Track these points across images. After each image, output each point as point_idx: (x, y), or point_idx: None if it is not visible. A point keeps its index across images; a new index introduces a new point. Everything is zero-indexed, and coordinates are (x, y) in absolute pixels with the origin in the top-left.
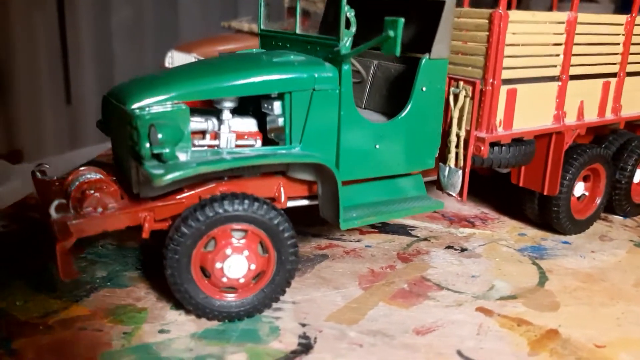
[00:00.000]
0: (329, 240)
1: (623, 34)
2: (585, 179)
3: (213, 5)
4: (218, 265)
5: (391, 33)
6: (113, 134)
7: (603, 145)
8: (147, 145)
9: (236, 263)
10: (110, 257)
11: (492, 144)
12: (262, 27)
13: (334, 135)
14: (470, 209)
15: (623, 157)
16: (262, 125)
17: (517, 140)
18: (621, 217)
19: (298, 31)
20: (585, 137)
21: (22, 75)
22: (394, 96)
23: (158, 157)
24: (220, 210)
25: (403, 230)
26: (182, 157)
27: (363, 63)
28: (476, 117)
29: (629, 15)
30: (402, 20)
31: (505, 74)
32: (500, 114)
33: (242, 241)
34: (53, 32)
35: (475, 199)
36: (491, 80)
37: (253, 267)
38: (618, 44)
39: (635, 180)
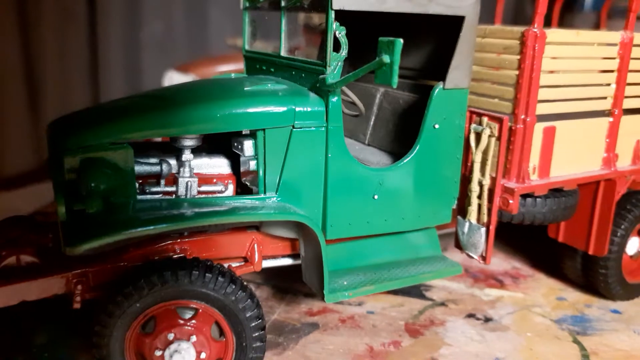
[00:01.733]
0: (323, 303)
1: None
2: None
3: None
4: (157, 353)
5: (386, 58)
6: None
7: None
8: (68, 198)
9: (182, 350)
10: None
11: (524, 195)
12: (246, 47)
13: (320, 183)
14: (499, 263)
15: None
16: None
17: (556, 190)
18: None
19: (283, 53)
20: None
21: (54, 87)
22: (403, 132)
23: (82, 213)
24: (158, 284)
25: (416, 290)
26: (121, 210)
27: (366, 91)
28: (504, 162)
29: None
30: (401, 41)
31: (542, 108)
32: (534, 159)
33: (191, 322)
34: (84, 45)
35: (505, 249)
36: (523, 117)
37: (204, 355)
38: None
39: None
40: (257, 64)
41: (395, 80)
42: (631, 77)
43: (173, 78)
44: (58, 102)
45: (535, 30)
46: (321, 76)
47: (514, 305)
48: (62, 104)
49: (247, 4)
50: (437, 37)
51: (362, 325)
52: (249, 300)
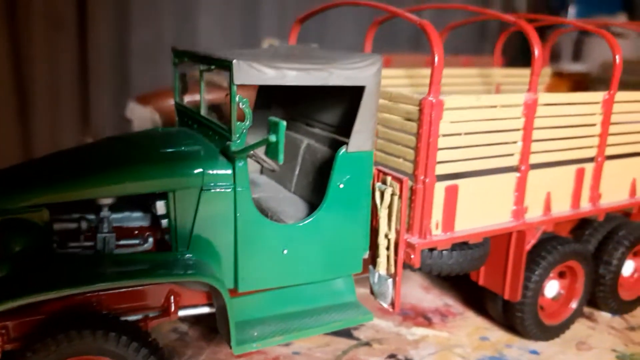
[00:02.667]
0: None
1: (600, 113)
2: (563, 275)
3: (233, 28)
4: None
5: (272, 138)
6: None
7: (585, 236)
8: None
9: None
10: None
11: (432, 248)
12: (176, 100)
13: (230, 240)
14: (432, 299)
15: (608, 248)
16: None
17: (465, 243)
18: (609, 315)
19: (202, 113)
20: (568, 223)
21: (42, 94)
22: (322, 185)
23: None
24: (65, 341)
25: (345, 329)
26: (36, 272)
27: (292, 141)
28: (406, 219)
29: (606, 93)
30: (284, 123)
31: (442, 169)
32: (437, 215)
33: None
34: (74, 52)
35: (441, 285)
36: (422, 177)
37: None
38: (594, 124)
39: (625, 273)
40: (186, 118)
41: (281, 157)
42: (538, 134)
43: (134, 110)
44: (47, 109)
45: (431, 99)
46: (228, 142)
47: (437, 346)
48: (52, 112)
49: (176, 61)
50: (353, 97)
51: None
52: (151, 356)
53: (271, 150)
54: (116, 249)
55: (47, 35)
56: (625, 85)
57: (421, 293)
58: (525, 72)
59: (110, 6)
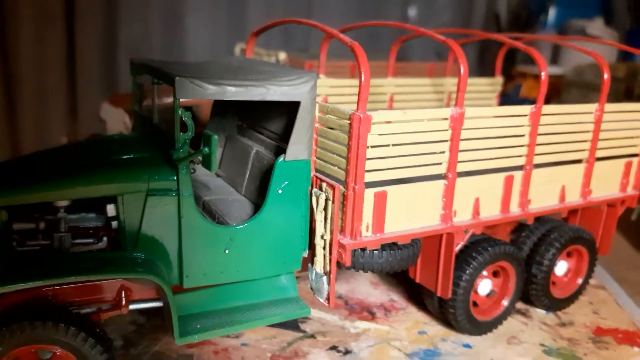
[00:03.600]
0: None
1: (528, 125)
2: (497, 274)
3: (221, 26)
4: None
5: (205, 150)
6: None
7: (521, 238)
8: None
9: None
10: None
11: (363, 248)
12: (134, 107)
13: (175, 240)
14: (379, 295)
15: (540, 249)
16: None
17: (395, 243)
18: (543, 312)
19: (154, 121)
20: (506, 226)
21: (30, 92)
22: (267, 189)
23: None
24: (17, 331)
25: (293, 322)
26: None
27: (243, 148)
28: (338, 222)
29: (533, 106)
30: (216, 138)
31: (372, 177)
32: (367, 218)
33: None
34: (61, 47)
35: (389, 281)
36: (352, 184)
37: None
38: (523, 135)
39: (559, 273)
40: (141, 124)
41: (214, 167)
42: (465, 145)
43: (107, 111)
44: (36, 103)
45: (359, 114)
46: (172, 151)
47: (376, 339)
48: (40, 106)
49: (134, 71)
50: (295, 109)
51: (233, 357)
52: (98, 345)
53: (205, 161)
54: (72, 248)
55: (34, 30)
56: (594, 87)
57: (369, 288)
58: (477, 81)
59: (98, 2)
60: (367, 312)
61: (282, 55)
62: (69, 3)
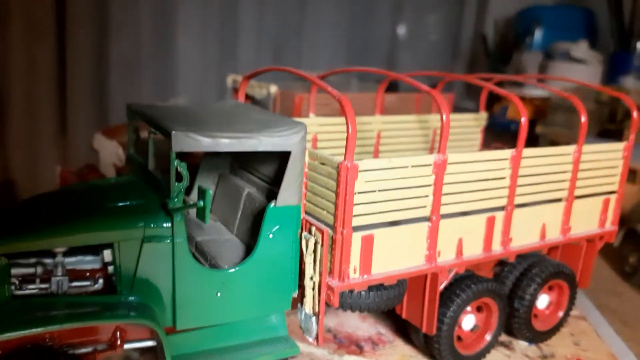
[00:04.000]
0: None
1: (509, 168)
2: (480, 310)
3: (210, 42)
4: None
5: (200, 203)
6: None
7: (504, 273)
8: None
9: None
10: None
11: (351, 290)
12: (130, 151)
13: (169, 284)
14: (367, 328)
15: (522, 284)
16: None
17: (382, 284)
18: (526, 344)
19: (150, 168)
20: (488, 263)
21: (20, 105)
22: (258, 230)
23: None
24: None
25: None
26: None
27: (235, 188)
28: (327, 264)
29: (513, 150)
30: (210, 191)
31: (359, 221)
32: (355, 261)
33: None
34: (52, 61)
35: (378, 316)
36: (341, 229)
37: None
38: (503, 177)
39: (540, 306)
40: (136, 168)
41: (207, 219)
42: (449, 188)
43: (101, 142)
44: (25, 118)
45: (346, 164)
46: (167, 199)
47: None
48: (30, 121)
49: (131, 116)
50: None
51: None
52: None
53: (199, 213)
54: (70, 289)
55: (26, 42)
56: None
57: (357, 322)
58: (462, 117)
59: (89, 17)
60: (355, 345)
61: (273, 88)
62: (60, 18)
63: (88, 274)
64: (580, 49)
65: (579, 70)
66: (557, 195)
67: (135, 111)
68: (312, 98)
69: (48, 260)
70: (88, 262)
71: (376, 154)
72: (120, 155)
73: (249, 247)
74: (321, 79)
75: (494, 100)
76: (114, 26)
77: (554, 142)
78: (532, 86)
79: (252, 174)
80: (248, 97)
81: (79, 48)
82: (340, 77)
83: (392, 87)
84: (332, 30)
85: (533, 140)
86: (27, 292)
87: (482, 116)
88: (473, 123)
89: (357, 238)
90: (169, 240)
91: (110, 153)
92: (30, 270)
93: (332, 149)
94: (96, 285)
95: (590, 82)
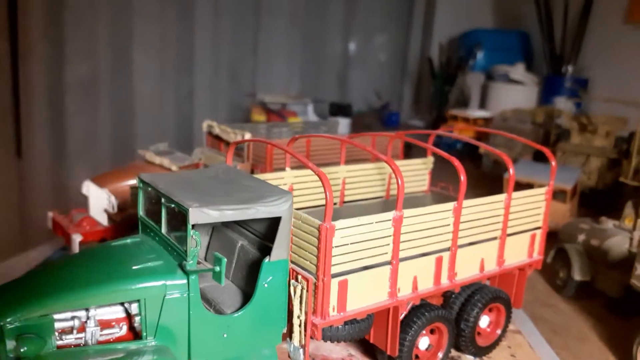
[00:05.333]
0: None
1: (452, 217)
2: (433, 332)
3: (168, 65)
4: None
5: (216, 268)
6: None
7: (452, 299)
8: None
9: None
10: None
11: (331, 325)
12: (140, 214)
13: (185, 330)
14: (340, 351)
15: (467, 309)
16: None
17: (355, 319)
18: (472, 357)
19: (163, 231)
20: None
21: None
22: (251, 277)
23: None
24: None
25: None
26: None
27: (231, 240)
28: (311, 305)
29: (455, 203)
30: (225, 259)
31: (336, 269)
32: (333, 301)
33: None
34: (5, 87)
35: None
36: (322, 277)
37: None
38: (448, 225)
39: (482, 325)
40: (148, 229)
41: (222, 281)
42: (405, 237)
43: (90, 188)
44: None
45: (326, 225)
46: (184, 262)
47: None
48: None
49: (142, 186)
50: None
51: None
52: None
53: (216, 277)
54: (100, 336)
55: None
56: (517, 132)
57: (331, 345)
58: (412, 162)
59: (44, 41)
60: None
61: (248, 135)
62: (13, 41)
63: (114, 322)
64: (518, 71)
65: (517, 91)
66: (493, 234)
67: (148, 184)
68: (288, 154)
69: (82, 314)
70: (114, 313)
71: (342, 197)
72: (112, 202)
73: (245, 292)
74: (294, 140)
75: (440, 122)
76: (69, 47)
77: (496, 162)
78: (475, 107)
79: (244, 227)
80: (222, 140)
81: (34, 72)
82: (298, 103)
83: (347, 112)
84: (285, 51)
85: (477, 160)
86: (66, 342)
87: (429, 160)
88: (422, 167)
89: (334, 283)
90: (185, 295)
91: (101, 199)
92: (69, 324)
93: (307, 195)
94: (121, 332)
95: (527, 103)
